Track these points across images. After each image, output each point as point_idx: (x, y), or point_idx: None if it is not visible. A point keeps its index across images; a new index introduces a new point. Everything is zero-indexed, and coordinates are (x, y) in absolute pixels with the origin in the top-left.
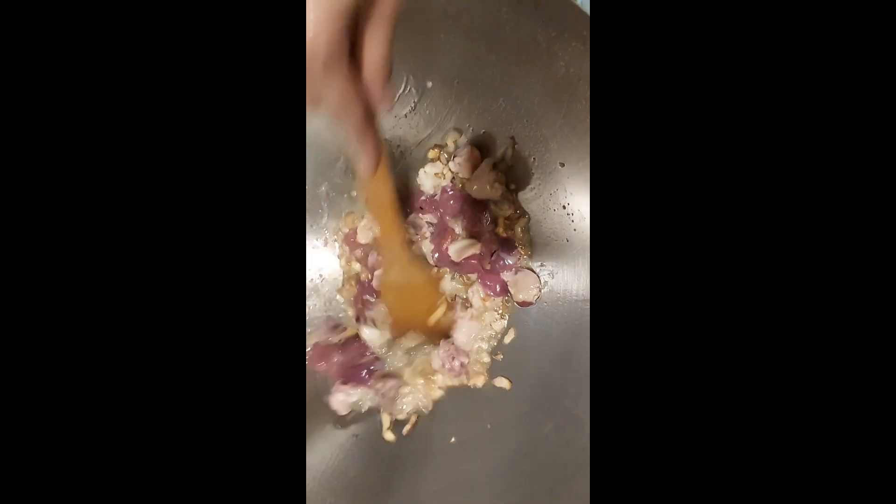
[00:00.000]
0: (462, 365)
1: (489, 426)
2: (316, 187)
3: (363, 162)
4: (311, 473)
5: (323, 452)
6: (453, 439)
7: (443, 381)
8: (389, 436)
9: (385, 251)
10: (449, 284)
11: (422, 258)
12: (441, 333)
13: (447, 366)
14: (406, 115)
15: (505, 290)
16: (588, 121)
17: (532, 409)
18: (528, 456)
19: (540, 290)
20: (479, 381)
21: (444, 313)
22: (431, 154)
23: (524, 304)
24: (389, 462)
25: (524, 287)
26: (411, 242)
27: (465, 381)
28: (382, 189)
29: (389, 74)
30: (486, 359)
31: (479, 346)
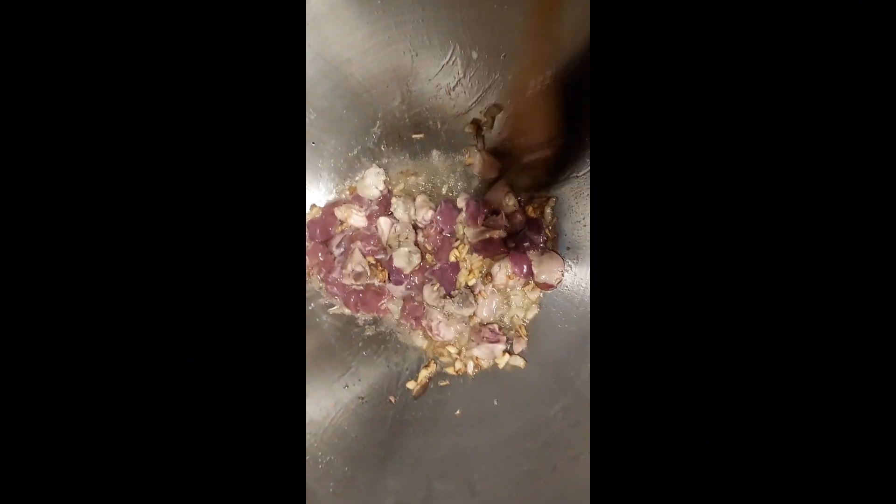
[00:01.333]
0: (493, 332)
1: (496, 402)
2: (349, 150)
3: None
4: (312, 429)
5: (327, 410)
6: (458, 412)
7: (480, 353)
8: (412, 384)
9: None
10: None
11: None
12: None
13: (483, 333)
14: (450, 88)
15: (531, 271)
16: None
17: (542, 390)
18: (533, 434)
19: (562, 274)
20: (522, 344)
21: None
22: (468, 129)
23: (546, 286)
24: (392, 427)
25: (548, 269)
26: None
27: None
28: None
29: None
30: (520, 321)
31: (512, 314)
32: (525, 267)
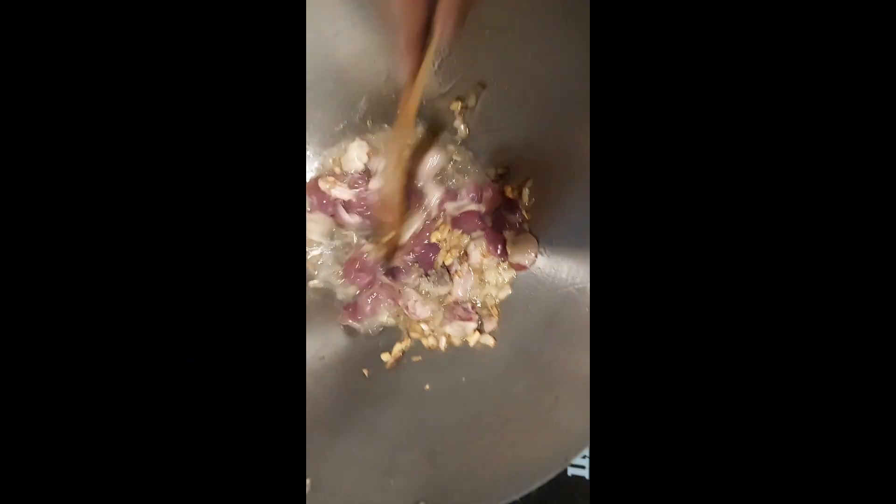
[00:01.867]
0: (466, 310)
1: (464, 379)
2: (335, 124)
3: (400, 70)
4: None
5: None
6: (427, 387)
7: (452, 331)
8: (386, 356)
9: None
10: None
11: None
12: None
13: (456, 311)
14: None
15: (505, 250)
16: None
17: (508, 368)
18: (495, 410)
19: (536, 256)
20: (493, 323)
21: (390, 238)
22: (453, 106)
23: (518, 266)
24: (357, 396)
25: (522, 250)
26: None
27: (473, 330)
28: (409, 103)
29: (462, 12)
30: (492, 301)
31: (485, 292)
32: (500, 246)
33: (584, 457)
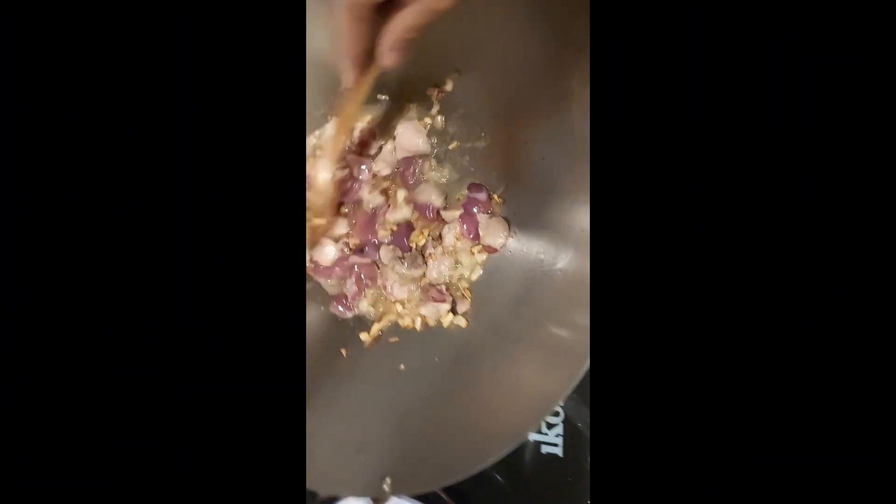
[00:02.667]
0: (441, 292)
1: (437, 359)
2: (315, 110)
3: (344, 76)
4: None
5: None
6: (402, 367)
7: (427, 312)
8: (365, 336)
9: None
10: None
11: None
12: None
13: (430, 293)
14: None
15: (478, 233)
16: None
17: (478, 347)
18: (464, 389)
19: (507, 239)
20: (466, 305)
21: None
22: (429, 92)
23: (490, 249)
24: (334, 375)
25: (493, 232)
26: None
27: (447, 311)
28: (350, 108)
29: (405, 45)
30: (466, 284)
31: (459, 274)
32: (473, 228)
33: (557, 435)
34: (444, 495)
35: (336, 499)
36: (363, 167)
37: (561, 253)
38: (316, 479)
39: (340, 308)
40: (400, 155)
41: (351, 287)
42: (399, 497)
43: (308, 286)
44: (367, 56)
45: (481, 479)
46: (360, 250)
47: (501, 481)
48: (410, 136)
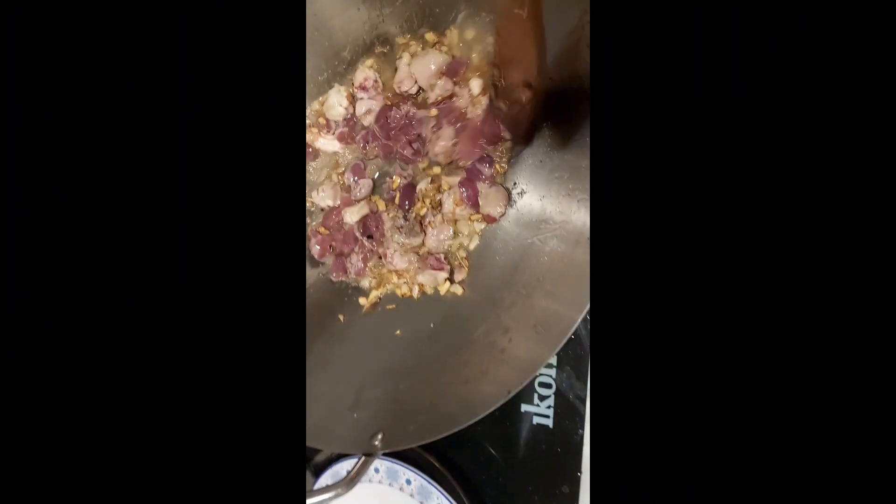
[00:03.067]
0: (439, 260)
1: (432, 325)
2: (318, 74)
3: None
4: None
5: None
6: (398, 332)
7: (424, 280)
8: (364, 301)
9: None
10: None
11: None
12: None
13: (429, 261)
14: None
15: (477, 201)
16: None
17: (472, 314)
18: (456, 352)
19: (505, 209)
20: (463, 273)
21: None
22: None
23: (488, 218)
24: (332, 339)
25: (493, 201)
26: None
27: (443, 279)
28: None
29: None
30: (464, 253)
31: (458, 243)
32: (473, 196)
33: (549, 407)
34: (438, 464)
35: (328, 465)
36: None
37: (556, 226)
38: (310, 434)
39: (335, 273)
40: (429, 83)
41: (357, 263)
42: (394, 462)
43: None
44: None
45: (475, 449)
46: (366, 229)
47: (494, 453)
48: (423, 65)
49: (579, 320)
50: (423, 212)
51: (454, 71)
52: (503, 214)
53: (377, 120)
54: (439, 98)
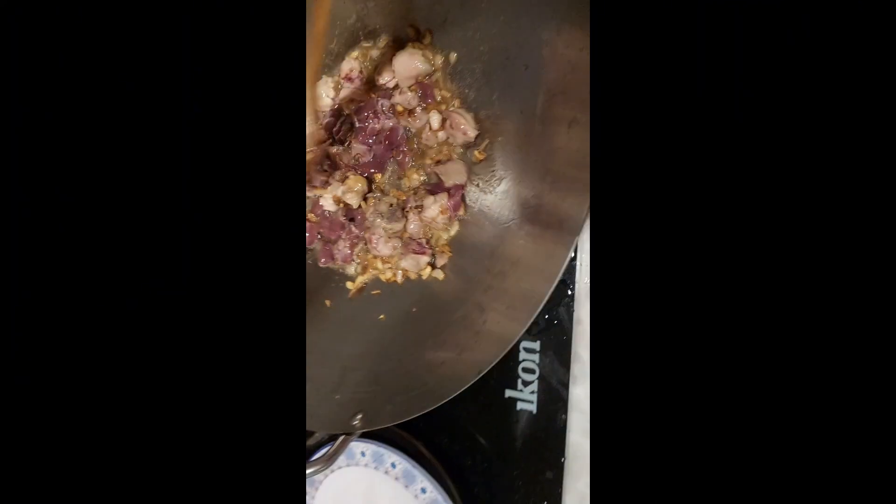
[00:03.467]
0: (420, 245)
1: (414, 309)
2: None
3: None
4: None
5: None
6: (382, 316)
7: (407, 264)
8: (350, 285)
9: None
10: None
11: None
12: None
13: (410, 246)
14: None
15: (458, 207)
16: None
17: (452, 297)
18: (435, 335)
19: (467, 177)
20: (444, 259)
21: None
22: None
23: (458, 187)
24: (317, 324)
25: (454, 173)
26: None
27: (426, 263)
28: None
29: None
30: (445, 238)
31: (439, 232)
32: (457, 206)
33: (532, 392)
34: (424, 449)
35: (318, 447)
36: (380, 101)
37: (530, 210)
38: None
39: (322, 259)
40: (406, 84)
41: (344, 249)
42: (380, 445)
43: None
44: None
45: (461, 435)
46: (348, 214)
47: (480, 439)
48: (406, 62)
49: (547, 295)
50: (403, 198)
51: (428, 91)
52: (466, 181)
53: (357, 112)
54: (400, 107)
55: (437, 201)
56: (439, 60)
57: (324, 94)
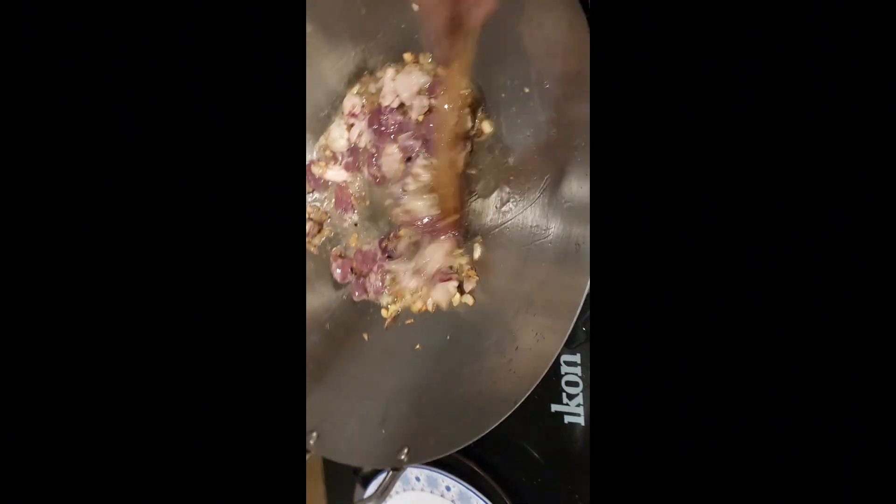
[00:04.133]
0: (446, 273)
1: (448, 337)
2: (319, 112)
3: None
4: None
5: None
6: (418, 346)
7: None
8: (385, 313)
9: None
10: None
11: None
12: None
13: (436, 276)
14: None
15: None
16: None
17: (483, 324)
18: (471, 364)
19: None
20: (472, 283)
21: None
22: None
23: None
24: (357, 358)
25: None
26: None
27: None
28: (453, 82)
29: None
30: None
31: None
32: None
33: (578, 405)
34: (478, 469)
35: (375, 474)
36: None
37: (551, 224)
38: (343, 452)
39: (357, 293)
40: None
41: (375, 282)
42: (433, 470)
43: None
44: (454, 21)
45: (513, 452)
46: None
47: (534, 454)
48: (406, 80)
49: (578, 310)
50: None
51: (432, 89)
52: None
53: (370, 124)
54: (420, 116)
55: (438, 248)
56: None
57: (339, 137)
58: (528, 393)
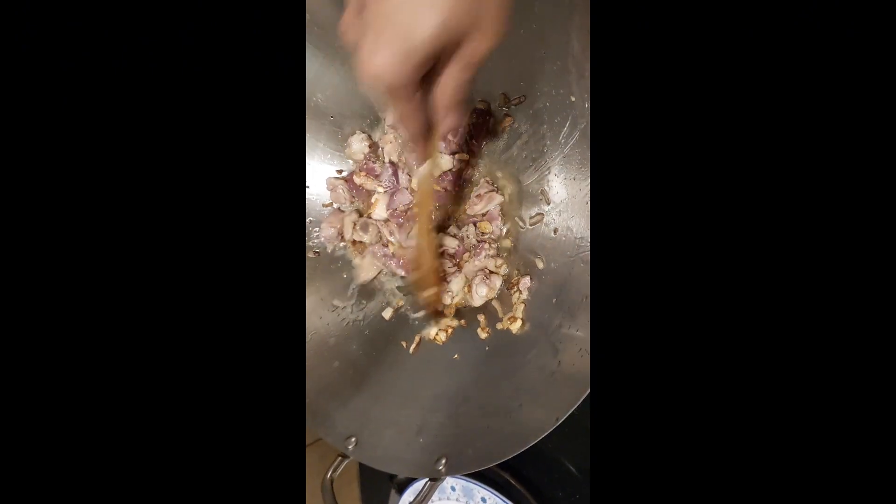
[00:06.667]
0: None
1: (487, 348)
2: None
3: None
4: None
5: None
6: (457, 356)
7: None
8: (433, 333)
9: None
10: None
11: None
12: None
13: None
14: None
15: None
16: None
17: (524, 337)
18: (510, 377)
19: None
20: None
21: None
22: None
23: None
24: (396, 365)
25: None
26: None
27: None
28: (424, 183)
29: (460, 104)
30: (520, 313)
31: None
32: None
33: None
34: (514, 482)
35: (409, 482)
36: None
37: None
38: (381, 459)
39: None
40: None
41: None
42: (469, 481)
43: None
44: (427, 128)
45: (550, 465)
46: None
47: (570, 468)
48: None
49: None
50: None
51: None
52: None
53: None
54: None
55: (481, 282)
56: None
57: (358, 149)
58: (571, 410)
